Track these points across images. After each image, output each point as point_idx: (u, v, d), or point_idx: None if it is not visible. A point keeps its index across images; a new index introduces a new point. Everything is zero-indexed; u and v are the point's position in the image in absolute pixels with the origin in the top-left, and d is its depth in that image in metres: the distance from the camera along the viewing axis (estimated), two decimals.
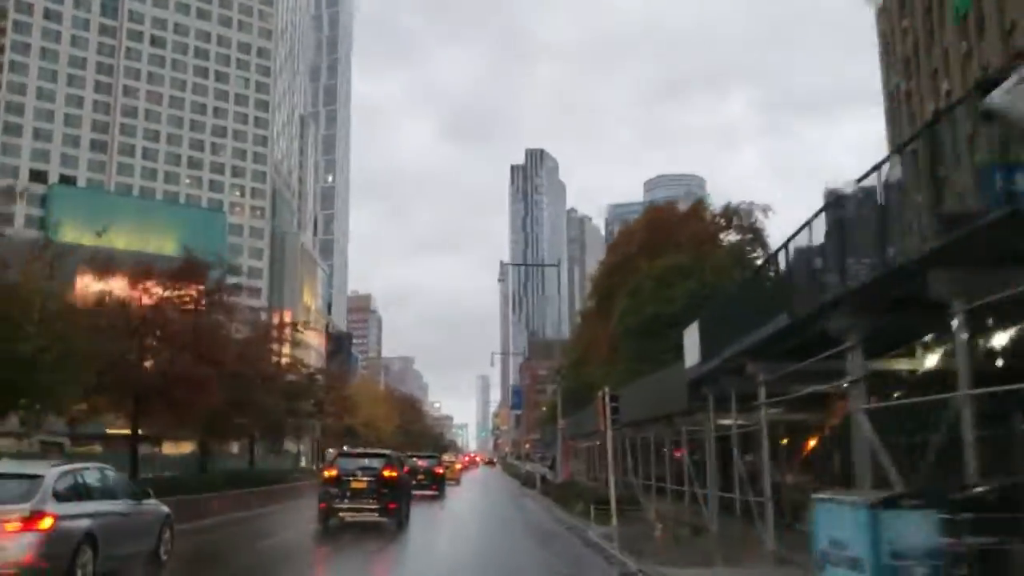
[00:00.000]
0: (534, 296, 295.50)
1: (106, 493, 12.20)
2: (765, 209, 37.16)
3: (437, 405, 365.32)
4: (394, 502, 20.44)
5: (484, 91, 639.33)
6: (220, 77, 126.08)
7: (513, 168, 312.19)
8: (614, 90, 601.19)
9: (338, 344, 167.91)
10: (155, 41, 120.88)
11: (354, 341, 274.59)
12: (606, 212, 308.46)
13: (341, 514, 20.43)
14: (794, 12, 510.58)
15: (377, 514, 20.27)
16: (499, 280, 56.34)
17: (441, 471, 41.11)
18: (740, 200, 37.89)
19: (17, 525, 9.90)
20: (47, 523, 10.13)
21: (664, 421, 22.59)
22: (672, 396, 20.12)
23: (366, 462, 21.48)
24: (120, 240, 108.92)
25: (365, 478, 20.37)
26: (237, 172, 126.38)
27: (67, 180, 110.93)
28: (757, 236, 36.59)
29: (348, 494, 20.19)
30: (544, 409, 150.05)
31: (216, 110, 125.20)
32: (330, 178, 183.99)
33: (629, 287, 34.95)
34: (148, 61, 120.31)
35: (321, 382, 50.03)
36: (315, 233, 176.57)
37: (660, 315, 31.08)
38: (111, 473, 12.99)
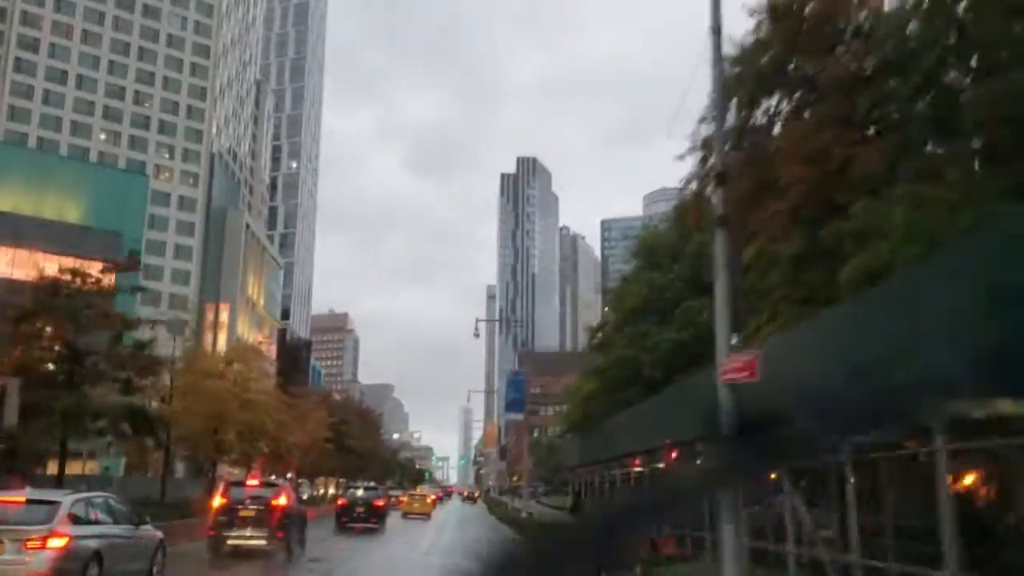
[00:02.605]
0: (524, 314, 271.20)
1: (111, 518, 13.80)
2: None
3: (417, 435, 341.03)
4: (282, 531, 20.64)
5: (450, 127, 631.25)
6: (150, 12, 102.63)
7: (503, 177, 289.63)
8: (579, 126, 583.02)
9: (295, 353, 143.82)
10: None
11: (327, 363, 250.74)
12: (600, 228, 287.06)
13: (229, 541, 20.39)
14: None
15: (265, 542, 20.36)
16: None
17: (382, 504, 37.51)
18: None
19: (38, 543, 11.64)
20: (62, 542, 11.88)
21: None
22: None
23: (256, 491, 21.66)
24: (6, 200, 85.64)
25: (253, 507, 20.59)
26: (166, 128, 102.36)
27: None
28: None
29: (237, 522, 20.34)
30: (537, 434, 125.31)
31: (143, 51, 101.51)
32: (294, 164, 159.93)
33: None
34: None
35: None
36: (273, 226, 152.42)
37: None
38: (114, 501, 14.64)
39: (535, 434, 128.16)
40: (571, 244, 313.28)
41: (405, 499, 52.65)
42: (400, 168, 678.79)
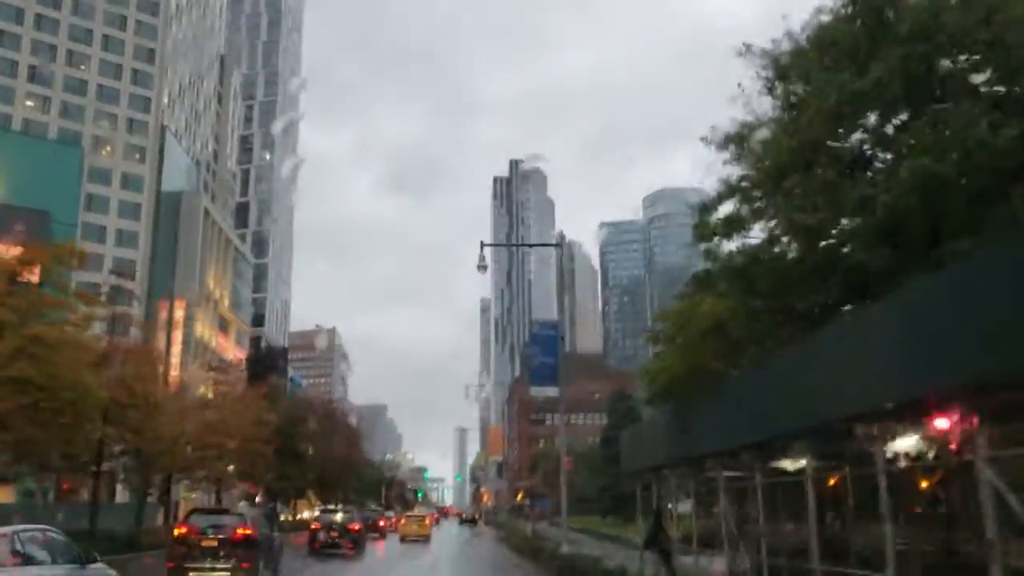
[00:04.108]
0: (520, 324, 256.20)
1: (48, 557, 11.58)
2: None
3: (411, 456, 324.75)
4: (247, 562, 19.40)
5: (429, 145, 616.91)
6: None
7: (496, 180, 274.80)
8: (562, 140, 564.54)
9: (269, 362, 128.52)
10: None
11: (315, 380, 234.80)
12: (594, 236, 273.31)
13: (191, 573, 19.14)
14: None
15: (228, 573, 19.22)
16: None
17: (357, 527, 35.84)
18: None
19: None
20: None
21: None
22: None
23: (218, 520, 20.51)
24: None
25: (216, 536, 19.42)
26: (106, 95, 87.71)
27: None
28: None
29: (199, 553, 19.20)
30: (543, 444, 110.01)
31: (77, 4, 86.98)
32: (267, 155, 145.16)
33: None
34: None
35: None
36: (244, 223, 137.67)
37: None
38: (54, 535, 12.35)
39: (541, 445, 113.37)
40: (567, 251, 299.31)
41: (404, 521, 52.27)
42: (380, 188, 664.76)
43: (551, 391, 27.30)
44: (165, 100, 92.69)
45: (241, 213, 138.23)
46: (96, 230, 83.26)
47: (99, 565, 12.86)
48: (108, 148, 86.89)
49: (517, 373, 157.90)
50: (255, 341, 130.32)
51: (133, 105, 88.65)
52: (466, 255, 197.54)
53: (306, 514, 57.19)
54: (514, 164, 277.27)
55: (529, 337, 26.78)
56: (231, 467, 34.69)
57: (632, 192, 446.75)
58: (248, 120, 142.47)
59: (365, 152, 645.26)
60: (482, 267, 26.62)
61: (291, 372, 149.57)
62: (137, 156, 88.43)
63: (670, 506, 24.45)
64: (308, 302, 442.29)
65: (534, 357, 26.20)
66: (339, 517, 35.71)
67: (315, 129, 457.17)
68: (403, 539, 46.95)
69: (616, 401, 64.56)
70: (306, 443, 43.68)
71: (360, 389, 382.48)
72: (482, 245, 26.42)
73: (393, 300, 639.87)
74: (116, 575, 13.58)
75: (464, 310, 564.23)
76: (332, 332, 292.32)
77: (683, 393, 17.63)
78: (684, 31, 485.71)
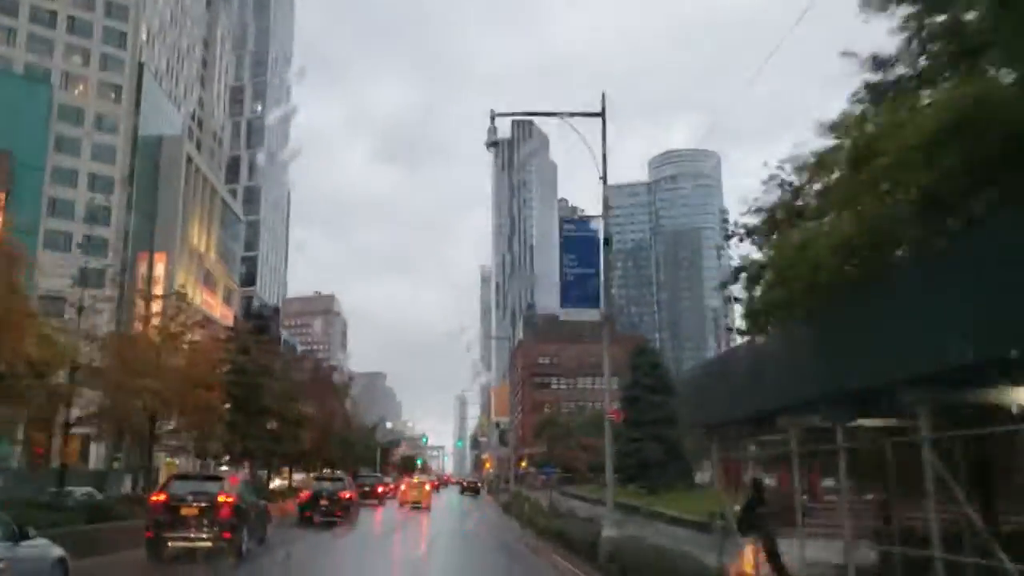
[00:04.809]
0: (521, 290, 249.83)
1: None
2: None
3: (411, 424, 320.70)
4: (229, 531, 18.32)
5: (422, 117, 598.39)
6: None
7: (498, 143, 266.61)
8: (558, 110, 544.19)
9: (260, 322, 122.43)
10: None
11: (314, 347, 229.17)
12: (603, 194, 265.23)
13: (170, 543, 18.15)
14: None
15: (210, 543, 18.12)
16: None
17: (349, 495, 35.09)
18: None
19: None
20: None
21: None
22: None
23: (200, 486, 19.65)
24: None
25: (197, 504, 18.34)
26: (79, 28, 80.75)
27: None
28: None
29: (178, 522, 18.16)
30: (541, 414, 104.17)
31: None
32: (259, 107, 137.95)
33: None
34: None
35: None
36: (236, 179, 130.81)
37: None
38: None
39: (547, 409, 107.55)
40: (567, 215, 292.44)
41: (404, 488, 52.52)
42: (374, 159, 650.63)
43: (589, 314, 21.00)
44: (143, 36, 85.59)
45: (232, 169, 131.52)
46: (67, 174, 76.80)
47: (39, 541, 11.85)
48: (81, 87, 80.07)
49: (520, 337, 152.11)
50: (246, 302, 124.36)
51: (108, 40, 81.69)
52: (462, 227, 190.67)
53: (277, 482, 51.96)
54: (516, 125, 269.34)
55: (561, 236, 20.52)
56: (169, 422, 28.99)
57: (632, 161, 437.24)
58: (238, 73, 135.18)
59: (357, 123, 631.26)
60: (492, 144, 21.46)
61: (285, 335, 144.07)
62: (112, 95, 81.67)
63: (701, 474, 18.58)
64: (303, 272, 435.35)
65: (567, 267, 19.92)
66: (329, 485, 35.00)
67: (306, 99, 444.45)
68: (402, 505, 47.22)
69: (637, 355, 58.38)
70: (275, 399, 38.03)
71: (359, 358, 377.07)
72: (492, 116, 21.15)
73: (390, 272, 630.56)
74: (60, 552, 12.27)
75: (462, 282, 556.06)
76: (331, 298, 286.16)
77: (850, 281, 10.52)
78: (682, 4, 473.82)
